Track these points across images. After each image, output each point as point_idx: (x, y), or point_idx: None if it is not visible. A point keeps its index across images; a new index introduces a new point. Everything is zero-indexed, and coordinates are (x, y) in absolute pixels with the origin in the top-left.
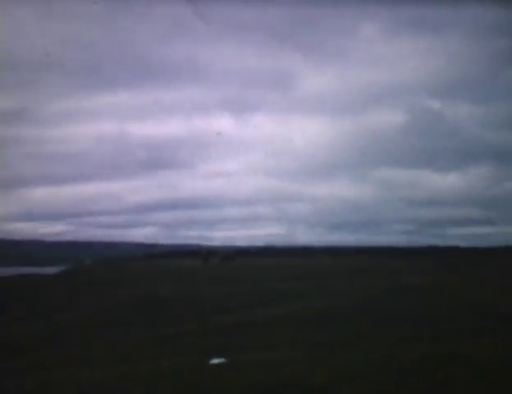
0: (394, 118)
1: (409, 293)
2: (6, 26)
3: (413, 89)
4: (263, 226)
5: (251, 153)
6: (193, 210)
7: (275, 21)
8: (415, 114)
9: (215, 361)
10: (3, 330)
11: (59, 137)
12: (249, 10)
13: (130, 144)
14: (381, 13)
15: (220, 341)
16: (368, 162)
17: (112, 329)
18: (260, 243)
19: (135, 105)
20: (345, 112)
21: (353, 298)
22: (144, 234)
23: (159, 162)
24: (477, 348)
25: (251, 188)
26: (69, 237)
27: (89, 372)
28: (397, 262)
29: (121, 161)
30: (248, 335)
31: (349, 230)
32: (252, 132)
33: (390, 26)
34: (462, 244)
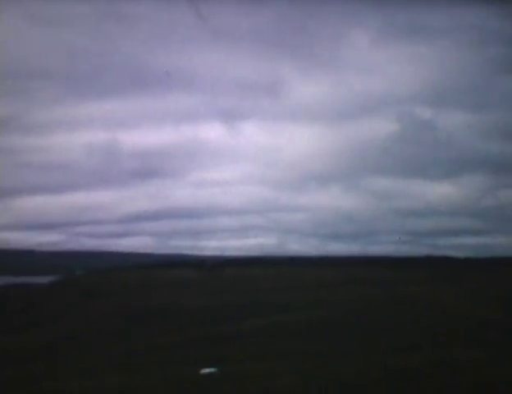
0: (387, 127)
1: (403, 303)
2: None
3: (405, 98)
4: (255, 235)
5: (242, 162)
6: (184, 220)
7: (266, 29)
8: (408, 123)
9: (206, 371)
10: None
11: (48, 146)
12: (240, 18)
13: (121, 154)
14: (373, 21)
15: (211, 352)
16: (361, 171)
17: (104, 339)
18: (252, 253)
19: (126, 114)
20: (337, 120)
21: (347, 308)
22: (135, 244)
23: (150, 172)
24: (471, 358)
25: (243, 197)
26: (60, 247)
27: (81, 382)
28: (391, 272)
29: (112, 170)
30: (239, 345)
31: (342, 240)
32: (243, 141)
33: (383, 34)
34: (456, 254)
